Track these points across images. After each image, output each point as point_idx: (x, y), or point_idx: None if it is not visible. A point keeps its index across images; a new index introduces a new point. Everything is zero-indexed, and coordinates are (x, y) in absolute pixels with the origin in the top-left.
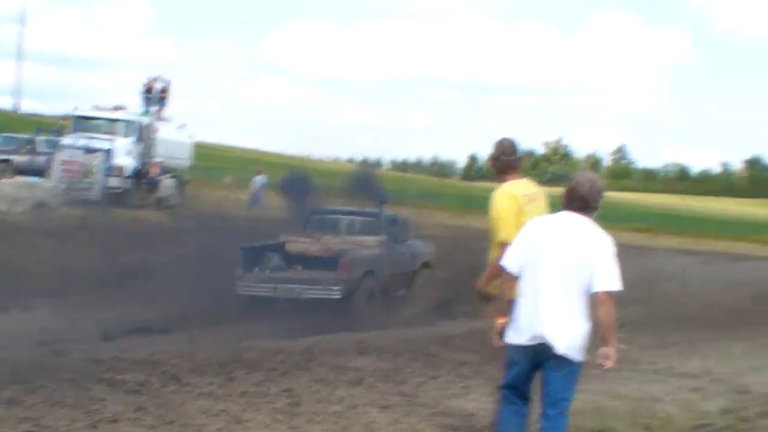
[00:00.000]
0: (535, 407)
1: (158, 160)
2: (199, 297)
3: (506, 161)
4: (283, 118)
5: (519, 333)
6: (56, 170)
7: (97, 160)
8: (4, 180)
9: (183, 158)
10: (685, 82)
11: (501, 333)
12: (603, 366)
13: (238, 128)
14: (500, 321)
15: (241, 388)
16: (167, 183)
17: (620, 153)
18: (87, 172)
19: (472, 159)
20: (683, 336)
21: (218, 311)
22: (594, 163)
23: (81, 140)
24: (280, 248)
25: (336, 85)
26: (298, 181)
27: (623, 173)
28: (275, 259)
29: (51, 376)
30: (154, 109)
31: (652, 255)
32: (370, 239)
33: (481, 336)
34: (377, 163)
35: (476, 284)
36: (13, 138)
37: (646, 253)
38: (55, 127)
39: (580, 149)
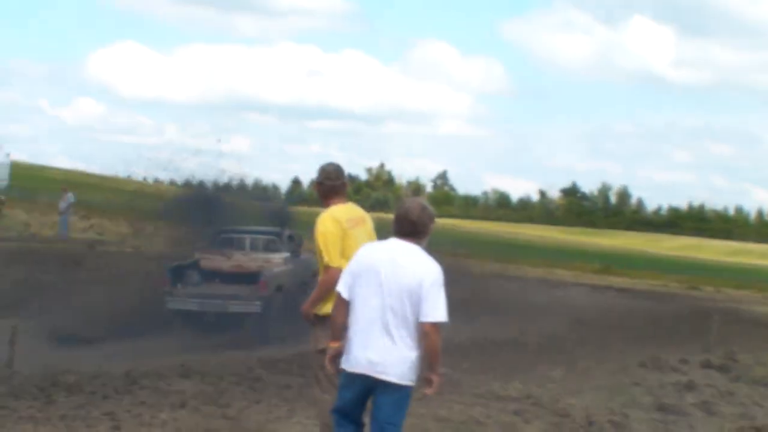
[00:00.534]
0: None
1: None
2: None
3: (330, 186)
4: (102, 140)
5: (350, 359)
6: None
7: None
8: None
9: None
10: (502, 111)
11: (332, 358)
12: (426, 392)
13: (59, 150)
14: (332, 345)
15: (60, 412)
16: None
17: (442, 180)
18: None
19: (296, 183)
20: (504, 360)
21: None
22: (416, 189)
23: None
24: (195, 265)
25: (156, 107)
26: (201, 200)
27: (444, 200)
28: (195, 276)
29: None
30: None
31: (469, 280)
32: (277, 256)
33: (305, 359)
34: (206, 186)
35: (302, 306)
36: None
37: (464, 278)
38: None
39: (402, 175)
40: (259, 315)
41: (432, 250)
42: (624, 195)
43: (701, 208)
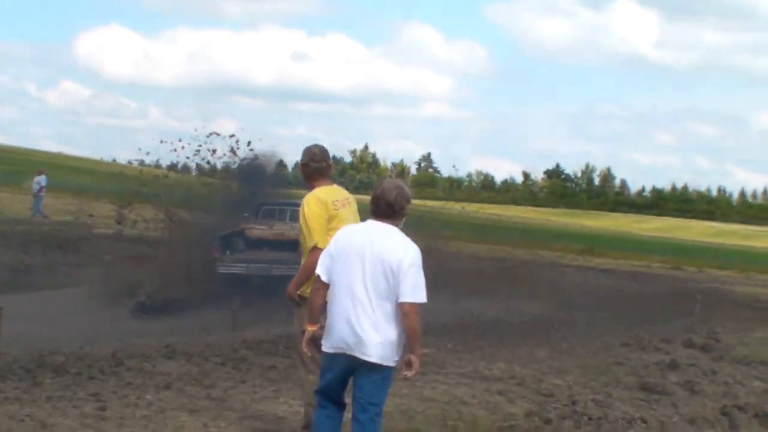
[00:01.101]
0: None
1: None
2: None
3: (316, 168)
4: (88, 123)
5: (331, 341)
6: None
7: None
8: None
9: None
10: (486, 93)
11: (310, 341)
12: (406, 375)
13: (43, 133)
14: (310, 328)
15: (46, 393)
16: None
17: (426, 162)
18: None
19: (281, 165)
20: (488, 340)
21: None
22: (401, 171)
23: None
24: (241, 234)
25: (141, 90)
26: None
27: (428, 182)
28: (241, 244)
29: None
30: None
31: (454, 261)
32: None
33: (290, 340)
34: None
35: (287, 288)
36: None
37: (448, 258)
38: None
39: (386, 158)
40: None
41: (414, 232)
42: (607, 176)
43: (684, 189)
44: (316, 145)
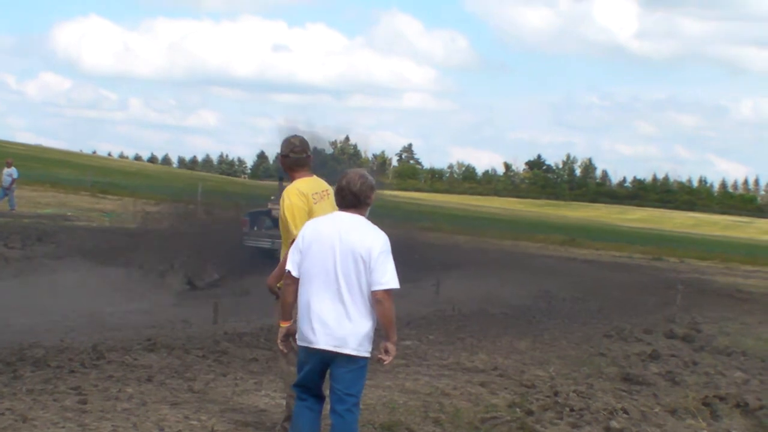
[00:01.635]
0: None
1: None
2: None
3: (296, 159)
4: (67, 115)
5: (305, 334)
6: None
7: None
8: None
9: None
10: (466, 84)
11: (284, 336)
12: (383, 361)
13: (22, 125)
14: (283, 325)
15: (27, 386)
16: None
17: (407, 153)
18: None
19: (262, 158)
20: (470, 331)
21: None
22: (382, 162)
23: None
24: (268, 213)
25: (120, 82)
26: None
27: (410, 173)
28: (267, 221)
29: None
30: None
31: (435, 252)
32: None
33: (271, 332)
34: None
35: (267, 281)
36: None
37: (429, 249)
38: None
39: (367, 149)
40: None
41: (395, 224)
42: (589, 167)
43: (665, 180)
44: (295, 136)
